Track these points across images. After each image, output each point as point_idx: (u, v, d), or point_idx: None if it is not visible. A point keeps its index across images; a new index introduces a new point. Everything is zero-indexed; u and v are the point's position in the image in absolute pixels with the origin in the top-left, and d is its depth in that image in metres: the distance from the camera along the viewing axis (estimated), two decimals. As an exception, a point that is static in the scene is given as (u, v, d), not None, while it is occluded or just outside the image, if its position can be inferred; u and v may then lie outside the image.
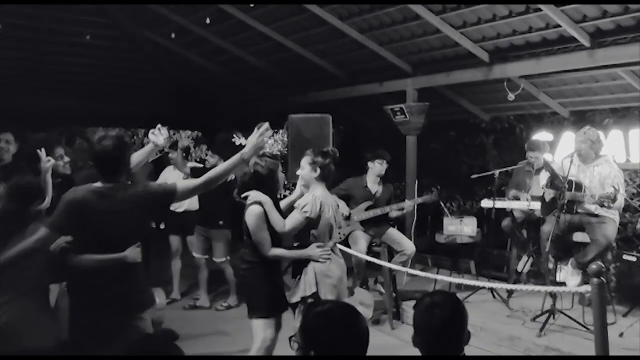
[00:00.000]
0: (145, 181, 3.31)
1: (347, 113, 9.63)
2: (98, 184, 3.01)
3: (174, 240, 6.24)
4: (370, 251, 5.58)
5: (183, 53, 8.64)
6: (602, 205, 4.80)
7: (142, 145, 10.36)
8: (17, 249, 2.99)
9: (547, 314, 4.85)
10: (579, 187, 5.00)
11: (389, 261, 5.49)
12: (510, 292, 5.80)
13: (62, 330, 3.20)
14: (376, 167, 5.85)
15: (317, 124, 6.05)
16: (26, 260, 3.03)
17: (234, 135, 14.36)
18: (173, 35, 7.78)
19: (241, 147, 9.15)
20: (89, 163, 10.07)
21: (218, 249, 5.84)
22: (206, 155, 6.81)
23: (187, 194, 3.21)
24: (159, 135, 3.53)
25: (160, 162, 6.65)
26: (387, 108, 7.14)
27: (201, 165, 6.26)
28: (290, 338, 2.08)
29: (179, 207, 6.15)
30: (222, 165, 3.22)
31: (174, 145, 6.22)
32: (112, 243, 2.99)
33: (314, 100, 8.37)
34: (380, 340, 5.18)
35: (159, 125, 3.58)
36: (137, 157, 3.55)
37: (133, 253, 3.04)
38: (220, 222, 5.78)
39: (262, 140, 3.26)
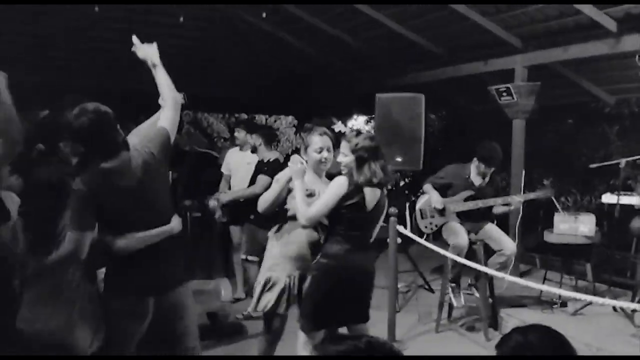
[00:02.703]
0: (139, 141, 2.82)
1: (448, 95, 8.76)
2: (103, 164, 2.56)
3: (235, 232, 5.42)
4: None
5: (275, 32, 8.17)
6: None
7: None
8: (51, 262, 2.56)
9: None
10: None
11: (486, 261, 4.66)
12: (636, 305, 4.75)
13: None
14: (479, 168, 4.94)
15: (408, 104, 5.33)
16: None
17: (333, 121, 13.87)
18: (264, 15, 7.31)
19: (340, 133, 8.26)
20: (195, 148, 9.84)
21: (243, 244, 5.17)
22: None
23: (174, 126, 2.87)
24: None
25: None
26: (492, 88, 6.24)
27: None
28: None
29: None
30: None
31: (239, 124, 5.69)
32: (147, 218, 2.63)
33: (412, 82, 7.57)
34: (471, 354, 4.38)
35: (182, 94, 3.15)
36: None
37: (178, 223, 2.75)
38: (251, 216, 4.99)
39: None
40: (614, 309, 4.73)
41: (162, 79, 2.89)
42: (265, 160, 5.12)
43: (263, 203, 3.37)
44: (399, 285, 5.26)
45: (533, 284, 3.57)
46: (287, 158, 5.26)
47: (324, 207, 3.03)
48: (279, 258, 3.30)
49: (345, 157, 3.16)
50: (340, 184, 3.05)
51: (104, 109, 2.56)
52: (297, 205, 3.08)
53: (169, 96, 2.85)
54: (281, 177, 3.27)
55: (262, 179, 4.96)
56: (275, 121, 14.70)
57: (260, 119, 14.38)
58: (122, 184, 2.54)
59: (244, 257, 5.09)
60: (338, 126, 14.07)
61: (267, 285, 3.29)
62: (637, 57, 5.46)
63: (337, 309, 3.08)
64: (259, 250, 5.06)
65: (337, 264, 3.08)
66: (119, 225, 2.57)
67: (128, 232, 2.57)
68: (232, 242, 5.49)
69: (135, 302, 2.60)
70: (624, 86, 6.71)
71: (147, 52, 2.91)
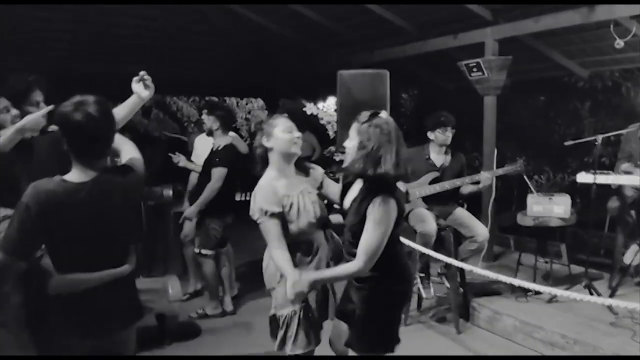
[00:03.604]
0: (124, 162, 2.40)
1: (419, 73, 8.32)
2: (70, 175, 2.08)
3: (186, 224, 4.89)
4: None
5: (242, 12, 7.61)
6: None
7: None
8: None
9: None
10: None
11: (456, 249, 4.29)
12: (614, 289, 4.44)
13: None
14: (438, 137, 4.54)
15: (372, 81, 4.85)
16: None
17: (303, 104, 13.34)
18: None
19: (312, 116, 7.63)
20: (165, 134, 9.25)
21: (197, 237, 4.69)
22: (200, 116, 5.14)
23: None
24: (142, 85, 2.64)
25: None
26: (462, 64, 5.81)
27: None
28: None
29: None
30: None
31: (211, 110, 5.21)
32: (102, 252, 2.13)
33: (381, 59, 7.09)
34: (441, 347, 4.02)
35: (142, 72, 2.65)
36: (118, 112, 2.60)
37: (133, 262, 2.23)
38: (205, 209, 4.58)
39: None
40: (590, 293, 4.38)
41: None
42: (215, 148, 4.64)
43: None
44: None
45: (504, 278, 3.20)
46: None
47: (380, 247, 2.41)
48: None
49: (352, 141, 2.53)
50: (391, 208, 2.40)
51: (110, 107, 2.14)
52: (344, 271, 2.50)
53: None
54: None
55: (217, 172, 4.53)
56: (246, 104, 14.16)
57: (231, 101, 13.85)
58: (82, 206, 2.04)
59: (197, 250, 4.64)
60: (309, 108, 13.56)
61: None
62: (611, 26, 5.09)
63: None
64: (213, 243, 4.64)
65: (403, 282, 2.64)
66: (64, 257, 2.08)
67: (75, 267, 2.08)
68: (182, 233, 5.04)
69: (66, 345, 2.12)
70: (597, 59, 6.33)
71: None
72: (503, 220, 6.64)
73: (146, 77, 2.68)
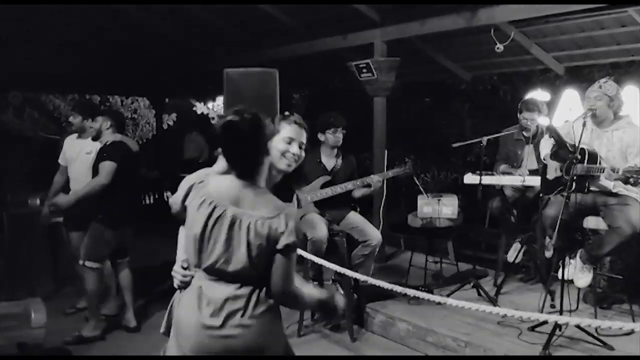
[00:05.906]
0: None
1: (311, 73, 8.14)
2: None
3: (76, 239, 4.40)
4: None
5: (122, 6, 6.93)
6: (626, 182, 3.46)
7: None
8: None
9: (551, 326, 3.51)
10: (593, 157, 3.63)
11: (349, 254, 4.11)
12: (499, 287, 4.49)
13: None
14: (329, 139, 4.35)
15: (261, 80, 4.54)
16: None
17: (193, 103, 12.75)
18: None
19: (203, 116, 7.17)
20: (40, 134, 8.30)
21: (83, 246, 4.13)
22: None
23: None
24: None
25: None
26: (352, 64, 5.68)
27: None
28: None
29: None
30: None
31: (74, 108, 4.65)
32: None
33: (270, 58, 6.81)
34: (337, 354, 3.82)
35: None
36: None
37: None
38: (99, 215, 4.06)
39: None
40: (478, 293, 4.39)
41: None
42: (103, 145, 4.14)
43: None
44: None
45: (399, 288, 3.05)
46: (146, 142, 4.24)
47: None
48: None
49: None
50: None
51: None
52: None
53: None
54: None
55: (106, 165, 4.01)
56: (132, 103, 13.27)
57: (115, 100, 12.91)
58: None
59: (80, 262, 4.04)
60: (199, 107, 13.02)
61: None
62: (492, 31, 5.19)
63: None
64: (103, 255, 4.11)
65: None
66: None
67: None
68: (71, 249, 4.46)
69: None
70: (479, 62, 6.49)
71: None
72: (392, 218, 6.62)
73: None
